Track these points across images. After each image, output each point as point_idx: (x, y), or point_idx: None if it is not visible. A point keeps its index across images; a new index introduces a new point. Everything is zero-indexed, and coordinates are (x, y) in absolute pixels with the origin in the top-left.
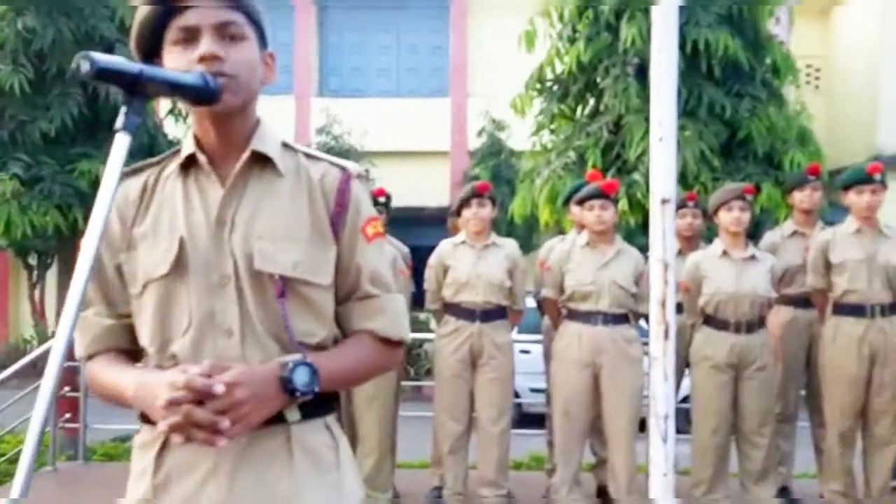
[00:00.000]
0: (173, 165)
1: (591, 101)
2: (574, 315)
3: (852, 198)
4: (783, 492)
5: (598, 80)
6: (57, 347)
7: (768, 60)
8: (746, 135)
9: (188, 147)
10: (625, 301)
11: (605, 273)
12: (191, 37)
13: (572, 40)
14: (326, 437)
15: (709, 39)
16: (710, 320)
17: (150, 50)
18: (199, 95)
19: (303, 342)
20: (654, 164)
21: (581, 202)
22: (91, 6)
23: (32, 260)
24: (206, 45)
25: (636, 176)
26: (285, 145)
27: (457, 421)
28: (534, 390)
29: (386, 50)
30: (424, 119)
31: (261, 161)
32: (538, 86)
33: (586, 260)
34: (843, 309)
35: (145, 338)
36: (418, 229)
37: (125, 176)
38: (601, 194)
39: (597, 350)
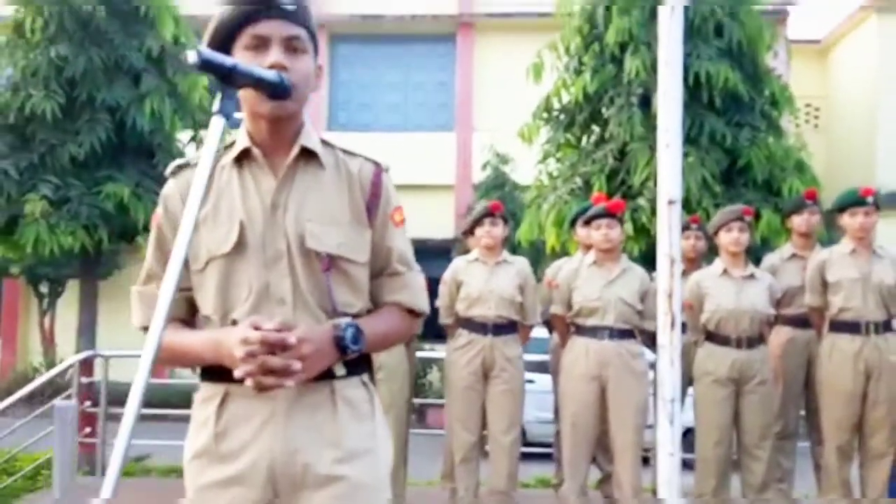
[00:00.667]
0: (227, 158)
1: (597, 130)
2: (581, 330)
3: (846, 220)
4: None
5: (604, 109)
6: (150, 343)
7: (767, 92)
8: (746, 163)
9: (242, 142)
10: (630, 317)
11: (611, 290)
12: (261, 44)
13: (578, 72)
14: (363, 392)
15: (710, 71)
16: (712, 336)
17: (220, 49)
18: (276, 90)
19: (344, 312)
20: (661, 167)
21: (588, 221)
22: (121, 37)
23: (44, 288)
24: (275, 55)
25: (641, 201)
26: (324, 142)
27: (469, 431)
28: (539, 421)
29: (394, 86)
30: (430, 153)
31: (306, 155)
32: (545, 115)
33: (593, 277)
34: (839, 326)
35: (208, 307)
36: (423, 261)
37: (183, 168)
38: (608, 213)
39: (603, 363)
